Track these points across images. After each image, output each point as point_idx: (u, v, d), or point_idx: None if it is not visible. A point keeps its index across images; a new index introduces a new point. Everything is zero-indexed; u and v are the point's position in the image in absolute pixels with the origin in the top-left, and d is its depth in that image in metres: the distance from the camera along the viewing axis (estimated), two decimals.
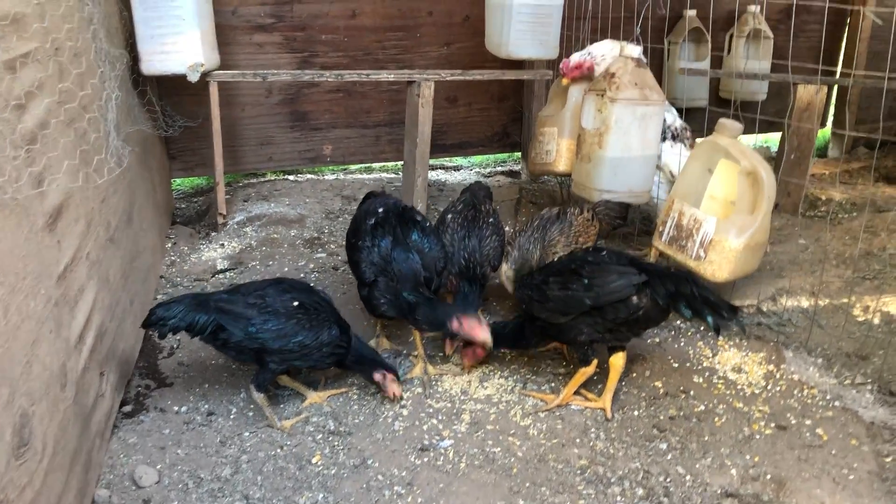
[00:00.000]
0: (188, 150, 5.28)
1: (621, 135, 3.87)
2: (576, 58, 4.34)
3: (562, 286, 2.85)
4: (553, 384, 3.16)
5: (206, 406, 2.99)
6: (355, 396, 3.06)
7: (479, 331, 2.93)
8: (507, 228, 3.95)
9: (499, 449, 2.74)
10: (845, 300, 3.79)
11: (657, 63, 6.09)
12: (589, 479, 2.59)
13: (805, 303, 3.74)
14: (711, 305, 2.74)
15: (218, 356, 3.27)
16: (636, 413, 2.96)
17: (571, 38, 5.11)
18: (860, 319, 3.64)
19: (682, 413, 2.95)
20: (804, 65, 5.09)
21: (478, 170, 6.43)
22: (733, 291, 3.77)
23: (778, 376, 3.18)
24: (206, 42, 4.24)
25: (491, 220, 3.58)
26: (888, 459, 2.66)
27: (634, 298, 2.78)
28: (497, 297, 3.87)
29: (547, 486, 2.56)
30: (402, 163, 5.39)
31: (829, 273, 4.09)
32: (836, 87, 6.63)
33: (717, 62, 6.39)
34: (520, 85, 5.98)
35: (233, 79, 4.60)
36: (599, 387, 3.07)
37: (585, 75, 4.35)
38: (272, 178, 5.80)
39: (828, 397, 3.03)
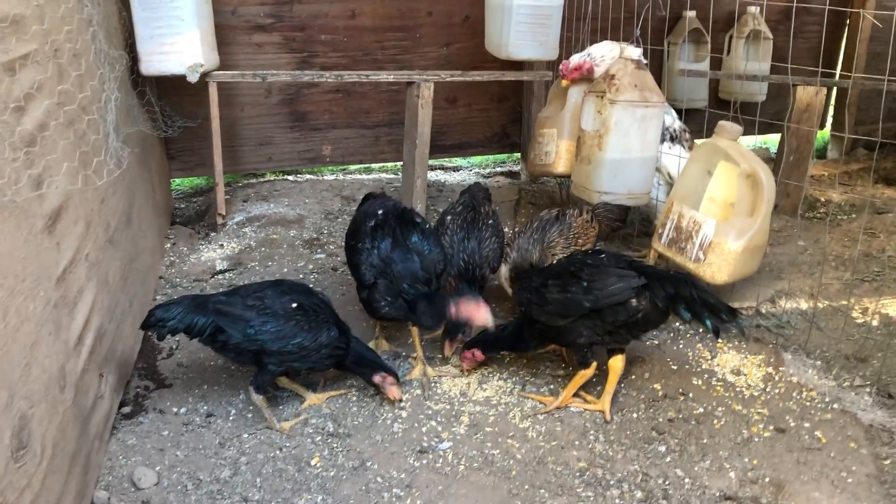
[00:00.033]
0: (187, 150, 5.28)
1: (621, 137, 3.87)
2: (575, 59, 4.34)
3: (561, 289, 2.85)
4: (552, 386, 3.16)
5: (205, 407, 2.99)
6: (354, 398, 3.06)
7: (478, 312, 2.91)
8: (506, 229, 3.95)
9: (498, 451, 2.74)
10: (844, 302, 3.80)
11: (657, 64, 6.09)
12: (588, 481, 2.59)
13: (804, 305, 3.74)
14: (711, 308, 2.74)
15: (217, 357, 3.27)
16: (635, 415, 2.96)
17: (571, 39, 5.11)
18: (859, 321, 3.64)
19: (680, 415, 2.95)
20: (803, 67, 5.09)
21: (477, 170, 6.43)
22: (732, 293, 3.77)
23: (777, 378, 3.19)
24: (205, 42, 4.24)
25: (490, 221, 3.58)
26: (887, 462, 2.67)
27: (634, 301, 2.78)
28: (496, 299, 3.87)
29: (546, 488, 2.56)
30: (401, 163, 5.39)
31: (828, 275, 4.09)
32: (835, 89, 6.63)
33: (716, 63, 6.40)
34: (519, 86, 5.98)
35: (232, 79, 4.60)
36: (598, 389, 3.07)
37: (585, 77, 4.35)
38: (271, 178, 5.80)
39: (826, 400, 3.03)
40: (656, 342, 3.48)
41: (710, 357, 3.36)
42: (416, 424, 2.89)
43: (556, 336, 2.98)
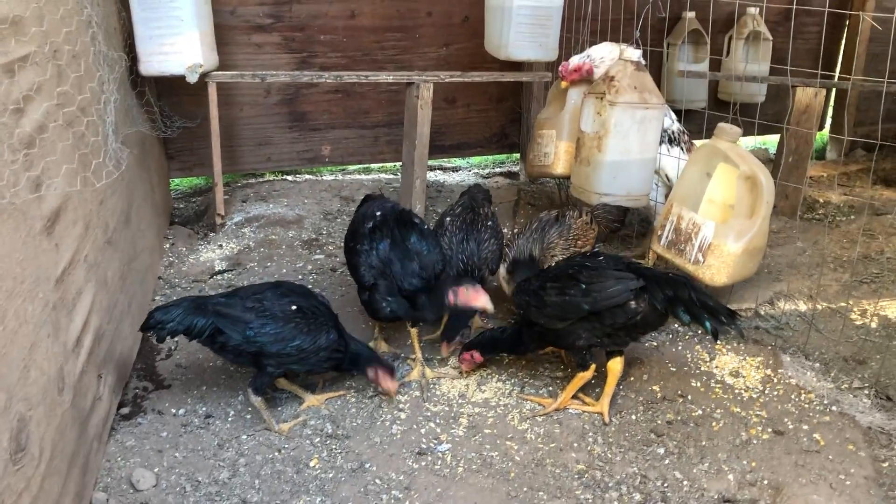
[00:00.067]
0: (186, 150, 5.28)
1: (620, 138, 3.87)
2: (575, 60, 4.34)
3: (559, 291, 2.84)
4: (551, 388, 3.16)
5: (204, 408, 2.99)
6: (353, 400, 3.06)
7: (476, 297, 2.90)
8: (505, 230, 3.94)
9: (496, 453, 2.74)
10: (843, 304, 3.80)
11: (656, 65, 6.08)
12: (586, 483, 2.59)
13: (803, 307, 3.74)
14: (710, 310, 2.75)
15: (216, 358, 3.27)
16: (634, 417, 2.96)
17: (571, 40, 5.10)
18: (858, 323, 3.65)
19: (679, 417, 2.95)
20: (802, 69, 5.09)
21: (476, 171, 6.43)
22: (731, 295, 3.77)
23: (775, 381, 3.19)
24: (204, 43, 4.23)
25: (489, 223, 3.58)
26: (885, 464, 2.67)
27: (632, 303, 2.78)
28: (495, 300, 3.85)
29: (544, 490, 2.56)
30: (400, 163, 5.38)
31: (827, 277, 4.09)
32: (834, 90, 6.63)
33: (715, 64, 6.39)
34: (519, 86, 5.97)
35: (231, 79, 4.60)
36: (597, 391, 3.07)
37: (584, 78, 4.34)
38: (271, 178, 5.80)
39: (825, 402, 3.03)
40: (655, 344, 3.48)
41: (708, 359, 3.36)
42: (414, 426, 2.89)
43: (555, 338, 2.99)
